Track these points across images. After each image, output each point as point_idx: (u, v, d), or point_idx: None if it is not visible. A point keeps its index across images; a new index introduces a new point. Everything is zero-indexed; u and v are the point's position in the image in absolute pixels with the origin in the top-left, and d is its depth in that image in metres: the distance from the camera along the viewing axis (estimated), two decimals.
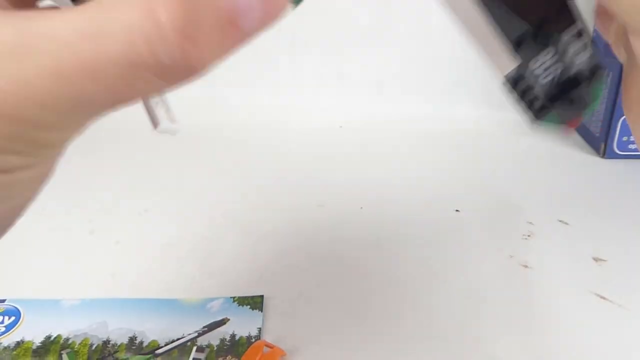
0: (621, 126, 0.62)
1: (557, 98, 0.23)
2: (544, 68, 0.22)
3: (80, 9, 0.13)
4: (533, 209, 0.52)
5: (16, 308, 0.37)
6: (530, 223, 0.49)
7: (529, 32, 0.20)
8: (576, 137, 0.73)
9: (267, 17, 0.14)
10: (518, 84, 0.22)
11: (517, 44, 0.21)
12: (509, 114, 0.82)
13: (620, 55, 0.23)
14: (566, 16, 0.20)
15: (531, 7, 0.20)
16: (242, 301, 0.37)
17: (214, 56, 0.14)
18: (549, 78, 0.22)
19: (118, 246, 0.44)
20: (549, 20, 0.20)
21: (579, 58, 0.22)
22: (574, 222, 0.49)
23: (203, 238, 0.44)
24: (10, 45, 0.12)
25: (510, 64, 0.22)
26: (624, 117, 0.62)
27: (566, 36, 0.21)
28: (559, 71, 0.22)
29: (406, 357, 0.34)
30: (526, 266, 0.43)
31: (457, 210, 0.52)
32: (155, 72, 0.13)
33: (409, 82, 0.59)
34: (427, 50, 0.69)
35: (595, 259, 0.44)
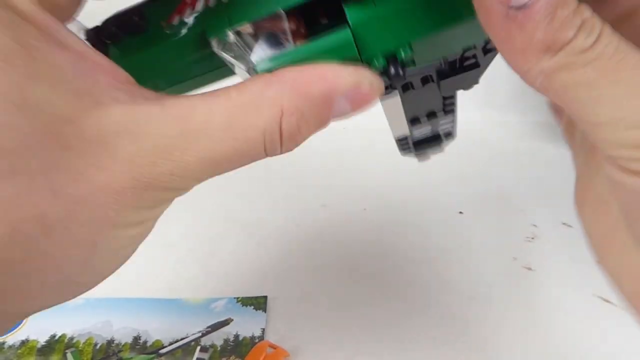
0: None
1: (419, 148, 0.35)
2: (420, 133, 0.33)
3: (223, 103, 0.17)
4: (537, 212, 0.51)
5: None
6: (534, 225, 0.49)
7: (423, 116, 0.30)
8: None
9: (352, 114, 0.18)
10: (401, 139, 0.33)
11: (412, 122, 0.30)
12: (513, 116, 0.82)
13: (573, 148, 0.23)
14: (449, 112, 0.30)
15: (430, 104, 0.29)
16: (246, 301, 0.37)
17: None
18: (419, 137, 0.34)
19: None
20: (436, 113, 0.30)
21: (442, 126, 0.33)
22: (577, 225, 0.49)
23: (207, 238, 0.44)
24: (176, 139, 0.16)
25: (404, 131, 0.32)
26: None
27: (442, 120, 0.31)
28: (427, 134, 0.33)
29: (409, 357, 0.34)
30: (530, 269, 0.43)
31: (460, 212, 0.52)
32: (263, 157, 0.18)
33: None
34: None
35: (599, 263, 0.44)
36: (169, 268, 0.42)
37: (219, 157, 0.17)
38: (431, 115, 0.30)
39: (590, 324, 0.37)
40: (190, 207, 0.52)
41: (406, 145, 0.35)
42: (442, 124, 0.32)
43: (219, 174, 0.18)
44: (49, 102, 0.15)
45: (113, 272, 0.19)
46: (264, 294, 0.38)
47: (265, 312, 0.37)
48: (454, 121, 0.33)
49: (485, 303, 0.39)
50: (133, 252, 0.20)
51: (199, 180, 0.18)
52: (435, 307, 0.38)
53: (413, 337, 0.36)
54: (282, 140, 0.17)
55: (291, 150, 0.18)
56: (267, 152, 0.17)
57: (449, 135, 0.35)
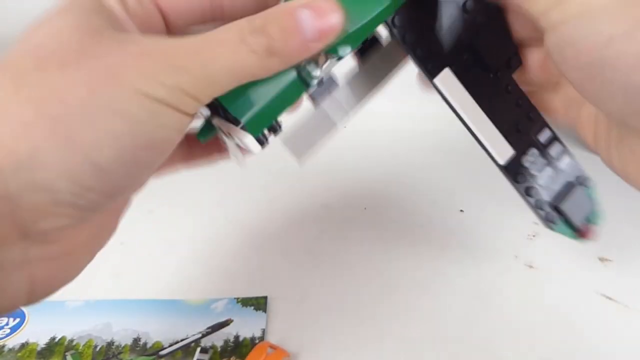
0: None
1: (559, 202, 0.30)
2: (535, 167, 0.29)
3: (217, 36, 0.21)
4: None
5: (20, 310, 0.37)
6: (535, 223, 0.49)
7: (510, 127, 0.28)
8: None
9: (322, 33, 0.22)
10: (518, 179, 0.29)
11: (506, 135, 0.28)
12: None
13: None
14: (537, 121, 0.28)
15: (505, 111, 0.28)
16: (246, 302, 0.37)
17: (296, 59, 0.22)
18: (546, 181, 0.30)
19: (123, 247, 0.44)
20: (522, 122, 0.28)
21: (561, 162, 0.30)
22: None
23: (207, 238, 0.44)
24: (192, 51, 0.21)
25: (506, 151, 0.29)
26: None
27: (542, 139, 0.29)
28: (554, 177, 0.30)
29: (410, 357, 0.34)
30: (531, 266, 0.43)
31: (461, 211, 0.52)
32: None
33: (413, 82, 0.59)
34: None
35: (601, 259, 0.43)
36: (168, 269, 0.41)
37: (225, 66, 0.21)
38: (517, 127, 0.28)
39: (592, 321, 0.37)
40: (191, 208, 0.51)
41: (538, 200, 0.31)
42: (552, 152, 0.30)
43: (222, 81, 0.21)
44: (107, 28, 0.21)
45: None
46: (265, 295, 0.38)
47: (265, 312, 0.36)
48: (568, 151, 0.30)
49: (487, 301, 0.39)
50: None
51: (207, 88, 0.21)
52: (436, 306, 0.38)
53: (414, 336, 0.35)
54: (263, 58, 0.21)
55: (282, 66, 0.22)
56: (256, 72, 0.22)
57: (584, 181, 0.31)
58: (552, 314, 0.37)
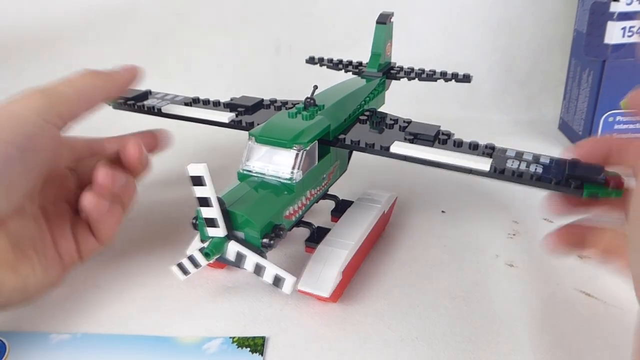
0: (603, 124, 0.63)
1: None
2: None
3: None
4: (518, 208, 0.52)
5: (1, 341, 0.35)
6: (515, 222, 0.50)
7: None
8: (560, 135, 0.73)
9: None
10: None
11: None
12: (493, 115, 0.81)
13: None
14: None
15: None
16: (242, 342, 0.35)
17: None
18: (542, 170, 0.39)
19: (111, 276, 0.43)
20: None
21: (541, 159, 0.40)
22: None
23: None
24: None
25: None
26: (607, 114, 0.62)
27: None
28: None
29: (394, 356, 0.34)
30: (512, 265, 0.43)
31: (443, 211, 0.52)
32: None
33: (399, 84, 0.58)
34: (417, 54, 0.67)
35: (580, 256, 0.44)
36: (161, 301, 0.40)
37: None
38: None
39: (572, 318, 0.38)
40: (189, 231, 0.49)
41: None
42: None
43: None
44: None
45: None
46: (262, 334, 0.36)
47: (262, 355, 0.34)
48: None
49: (469, 301, 0.40)
50: None
51: None
52: (418, 306, 0.39)
53: (397, 336, 0.36)
54: None
55: None
56: None
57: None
58: (533, 311, 0.38)
